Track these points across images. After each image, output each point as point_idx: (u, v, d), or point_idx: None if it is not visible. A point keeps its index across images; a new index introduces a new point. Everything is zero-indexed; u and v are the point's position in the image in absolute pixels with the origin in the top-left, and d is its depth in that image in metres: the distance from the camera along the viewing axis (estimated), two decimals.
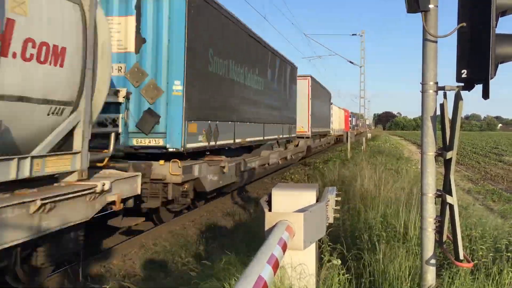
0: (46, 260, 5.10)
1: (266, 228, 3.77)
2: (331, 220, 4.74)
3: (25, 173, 4.72)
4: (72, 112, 5.43)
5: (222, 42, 10.41)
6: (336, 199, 4.97)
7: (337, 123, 40.99)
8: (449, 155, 3.93)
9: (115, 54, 8.12)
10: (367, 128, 72.01)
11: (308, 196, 4.28)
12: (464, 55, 3.91)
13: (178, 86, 8.22)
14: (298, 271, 4.06)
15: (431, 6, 4.05)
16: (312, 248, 4.16)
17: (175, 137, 8.24)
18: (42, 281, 5.56)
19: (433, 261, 4.12)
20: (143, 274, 6.32)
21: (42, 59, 4.76)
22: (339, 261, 4.44)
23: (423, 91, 4.14)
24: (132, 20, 8.37)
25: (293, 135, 19.37)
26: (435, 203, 4.17)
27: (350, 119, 57.30)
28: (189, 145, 8.55)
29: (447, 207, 3.96)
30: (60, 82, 5.10)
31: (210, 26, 9.56)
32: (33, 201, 4.52)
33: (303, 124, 22.13)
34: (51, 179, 5.41)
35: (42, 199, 4.60)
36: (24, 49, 4.51)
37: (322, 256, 4.58)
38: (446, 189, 4.02)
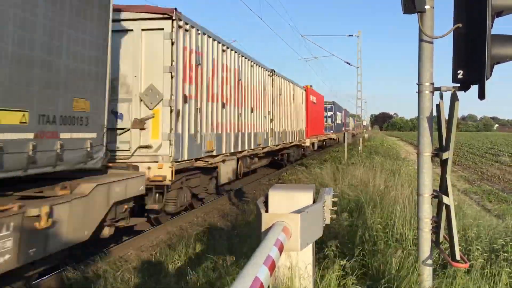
0: None
1: (263, 229, 3.76)
2: (328, 221, 4.73)
3: None
4: None
5: None
6: (333, 199, 4.96)
7: (270, 121, 16.80)
8: (445, 155, 3.94)
9: None
10: (363, 129, 71.64)
11: (305, 197, 4.27)
12: (460, 55, 3.92)
13: None
14: (295, 272, 4.06)
15: (427, 7, 4.06)
16: (309, 249, 4.16)
17: None
18: None
19: (429, 261, 4.13)
20: (140, 276, 6.29)
21: None
22: (341, 262, 4.43)
23: (420, 92, 4.15)
24: None
25: None
26: (432, 204, 4.18)
27: (331, 114, 35.84)
28: None
29: (444, 207, 3.96)
30: None
31: None
32: None
33: None
34: None
35: None
36: None
37: (318, 256, 4.58)
38: (442, 189, 4.02)
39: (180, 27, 8.75)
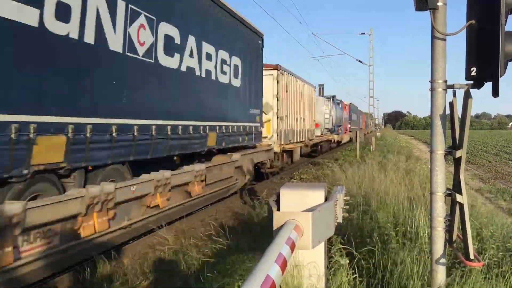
0: None
1: (275, 227, 3.77)
2: (339, 220, 4.72)
3: None
4: None
5: None
6: (344, 198, 4.95)
7: None
8: (458, 153, 3.91)
9: None
10: (376, 127, 71.00)
11: (316, 196, 4.27)
12: (473, 53, 3.88)
13: None
14: (307, 270, 4.06)
15: (439, 3, 4.03)
16: (321, 247, 4.15)
17: None
18: None
19: (443, 260, 4.09)
20: (152, 274, 6.33)
21: None
22: (347, 261, 4.42)
23: (432, 89, 4.12)
24: None
25: None
26: (445, 202, 4.14)
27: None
28: None
29: (457, 206, 3.93)
30: None
31: None
32: None
33: None
34: None
35: None
36: None
37: (332, 256, 4.57)
38: (455, 188, 3.99)
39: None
